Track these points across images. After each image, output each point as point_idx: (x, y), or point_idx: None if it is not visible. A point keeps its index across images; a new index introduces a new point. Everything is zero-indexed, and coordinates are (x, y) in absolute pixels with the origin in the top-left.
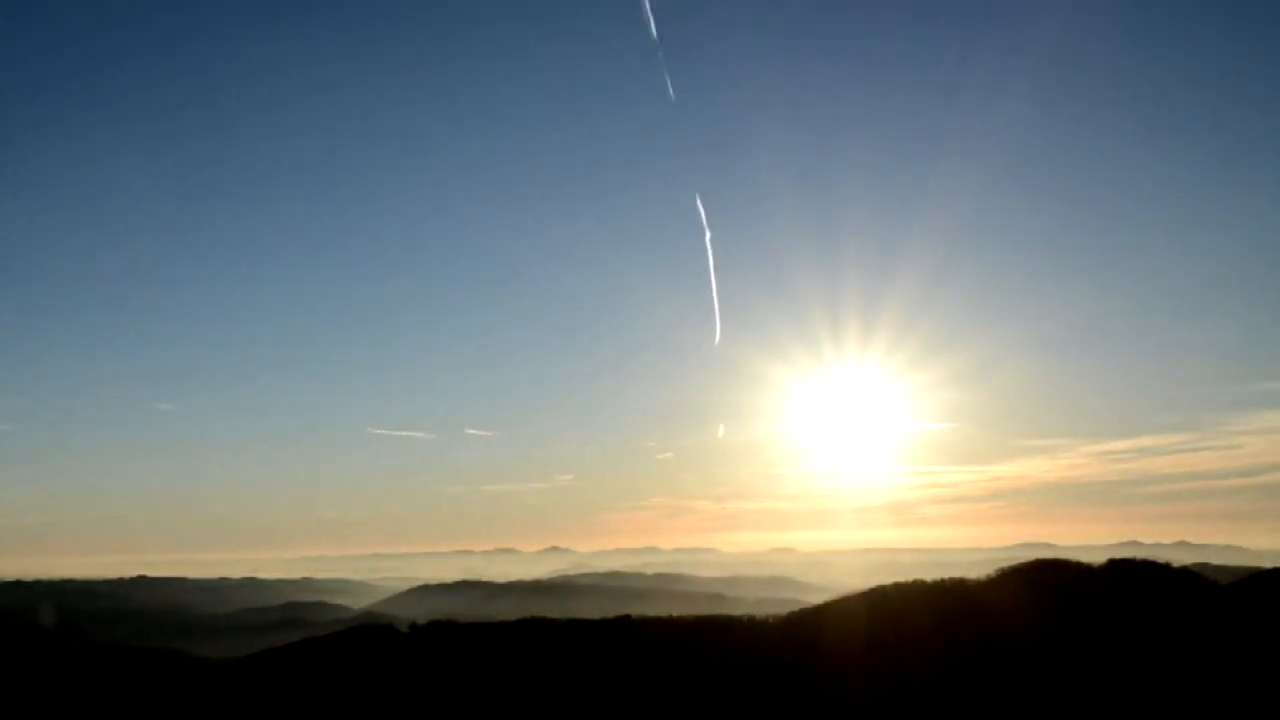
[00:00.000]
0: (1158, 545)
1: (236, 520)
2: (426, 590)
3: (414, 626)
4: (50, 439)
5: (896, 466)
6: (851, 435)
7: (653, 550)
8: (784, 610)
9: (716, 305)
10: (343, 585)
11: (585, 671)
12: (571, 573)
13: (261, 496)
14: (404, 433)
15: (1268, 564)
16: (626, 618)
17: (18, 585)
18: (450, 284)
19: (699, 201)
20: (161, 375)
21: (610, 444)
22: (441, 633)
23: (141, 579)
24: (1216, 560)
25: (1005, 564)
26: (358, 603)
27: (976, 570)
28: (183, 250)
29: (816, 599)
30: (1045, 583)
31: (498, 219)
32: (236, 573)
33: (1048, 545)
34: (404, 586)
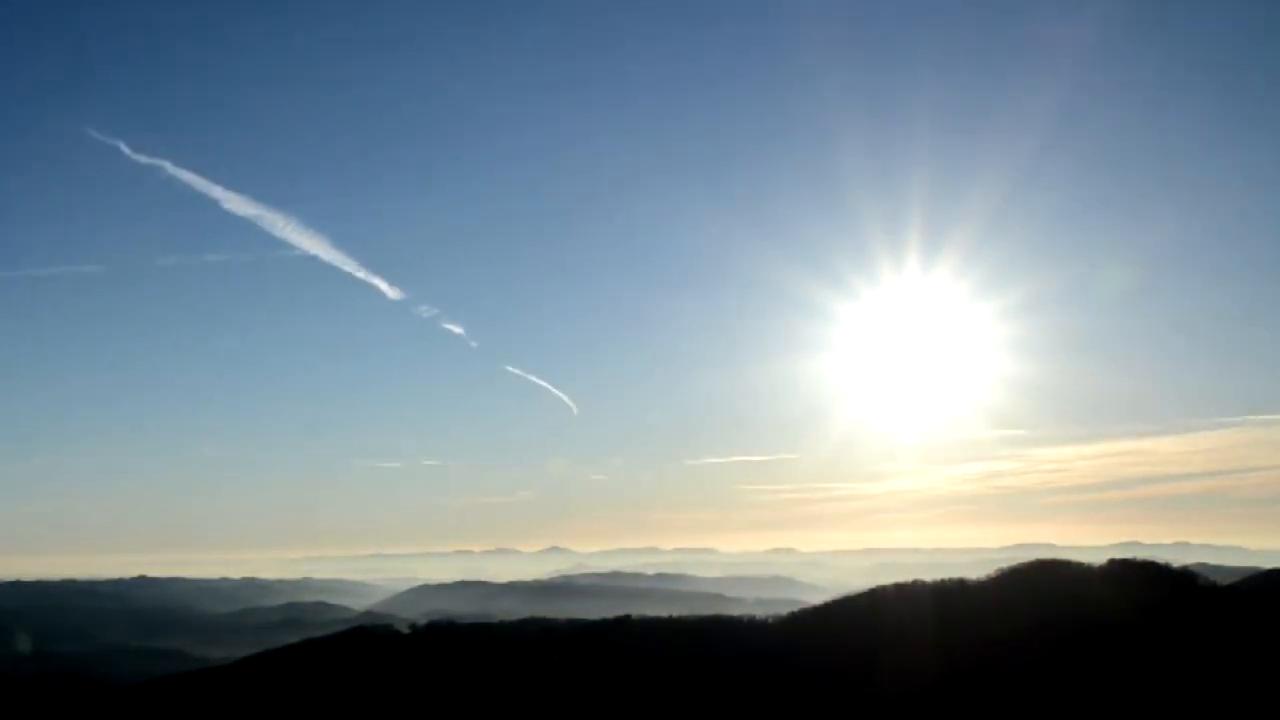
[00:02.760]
0: (1158, 545)
1: (236, 520)
2: (426, 590)
3: (414, 627)
4: (52, 441)
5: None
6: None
7: (653, 550)
8: (784, 610)
9: (557, 392)
10: (343, 585)
11: (585, 672)
12: (571, 573)
13: (262, 497)
14: (383, 464)
15: (1268, 564)
16: (626, 618)
17: (17, 585)
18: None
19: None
20: (172, 390)
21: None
22: (441, 633)
23: (141, 579)
24: (1216, 560)
25: (1005, 564)
26: (358, 603)
27: (976, 570)
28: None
29: (816, 599)
30: (1045, 583)
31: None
32: (236, 573)
33: (1047, 545)
34: (404, 586)
